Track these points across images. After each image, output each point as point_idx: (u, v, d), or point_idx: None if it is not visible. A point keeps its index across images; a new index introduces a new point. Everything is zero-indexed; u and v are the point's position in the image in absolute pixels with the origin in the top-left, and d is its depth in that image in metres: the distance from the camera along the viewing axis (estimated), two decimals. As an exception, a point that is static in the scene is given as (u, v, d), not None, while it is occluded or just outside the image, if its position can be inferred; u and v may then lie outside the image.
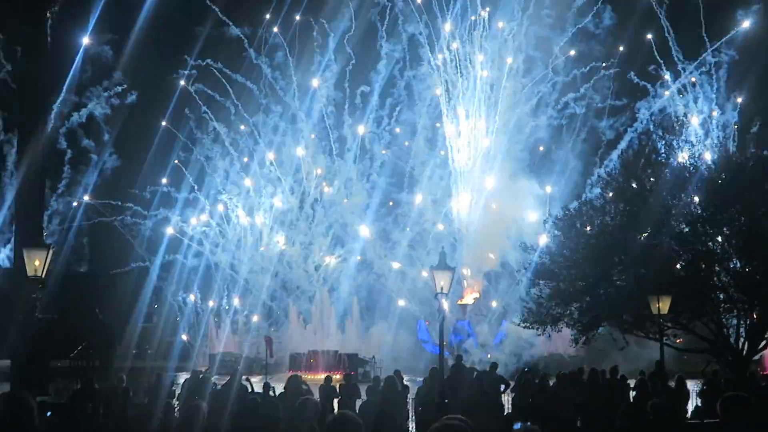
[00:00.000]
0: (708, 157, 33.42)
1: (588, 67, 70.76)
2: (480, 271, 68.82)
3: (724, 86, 70.29)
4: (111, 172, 71.19)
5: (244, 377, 28.67)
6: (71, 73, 65.22)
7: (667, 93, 70.62)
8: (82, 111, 69.68)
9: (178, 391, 28.92)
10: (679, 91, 70.89)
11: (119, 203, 71.94)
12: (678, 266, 30.96)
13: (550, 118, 72.15)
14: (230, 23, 71.03)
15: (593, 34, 71.04)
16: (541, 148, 72.61)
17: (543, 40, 71.34)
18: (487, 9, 71.33)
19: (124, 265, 71.63)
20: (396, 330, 65.93)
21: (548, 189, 68.72)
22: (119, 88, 69.45)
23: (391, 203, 73.87)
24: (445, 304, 27.01)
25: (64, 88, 65.28)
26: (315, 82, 73.30)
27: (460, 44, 71.93)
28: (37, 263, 25.33)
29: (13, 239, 50.62)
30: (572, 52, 71.49)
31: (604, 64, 70.80)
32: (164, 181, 72.94)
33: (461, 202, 71.10)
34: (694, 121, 61.32)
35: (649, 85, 71.28)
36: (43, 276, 25.51)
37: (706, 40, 69.79)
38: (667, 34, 70.43)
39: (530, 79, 71.79)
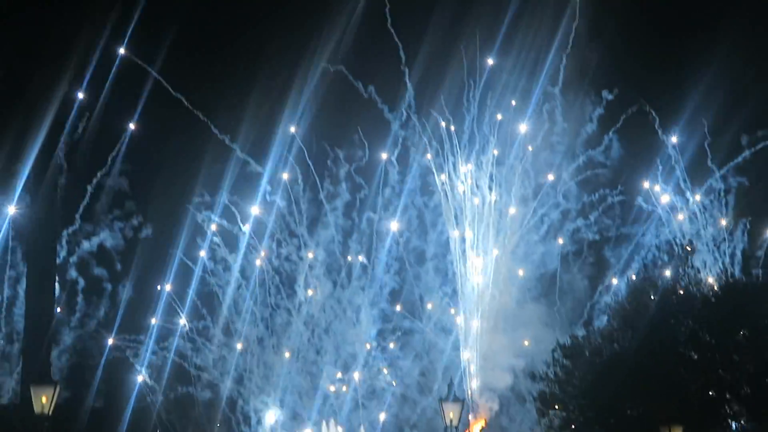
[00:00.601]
0: (714, 282, 33.37)
1: (597, 195, 71.32)
2: (488, 399, 68.08)
3: (732, 212, 70.67)
4: (126, 303, 70.98)
5: None
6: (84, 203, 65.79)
7: (681, 216, 71.09)
8: (93, 240, 69.80)
9: None
10: (690, 219, 71.41)
11: (136, 336, 71.57)
12: (689, 394, 30.64)
13: (560, 246, 72.43)
14: (251, 160, 71.48)
15: (602, 163, 71.85)
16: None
17: (552, 166, 72.09)
18: (495, 151, 72.35)
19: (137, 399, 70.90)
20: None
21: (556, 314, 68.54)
22: (136, 222, 69.70)
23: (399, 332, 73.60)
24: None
25: (76, 217, 65.71)
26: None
27: (470, 171, 72.57)
28: (44, 400, 25.19)
29: (21, 373, 50.34)
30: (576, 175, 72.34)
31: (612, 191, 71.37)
32: (182, 321, 72.71)
33: (470, 328, 70.79)
34: (701, 246, 61.58)
35: (658, 209, 71.74)
36: (50, 413, 25.30)
37: (714, 167, 70.55)
38: (674, 163, 71.19)
39: (539, 204, 72.27)
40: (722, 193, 71.37)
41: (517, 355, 63.02)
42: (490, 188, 72.63)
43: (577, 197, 72.52)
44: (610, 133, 71.17)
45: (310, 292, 73.00)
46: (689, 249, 33.75)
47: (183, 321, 69.50)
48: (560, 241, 72.31)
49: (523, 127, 70.89)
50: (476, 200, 72.00)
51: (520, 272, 71.15)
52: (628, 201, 72.05)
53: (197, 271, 72.17)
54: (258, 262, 73.44)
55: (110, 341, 69.70)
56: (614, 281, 67.43)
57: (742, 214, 70.32)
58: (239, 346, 73.11)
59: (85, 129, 62.93)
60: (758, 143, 70.12)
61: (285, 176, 72.48)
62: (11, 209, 60.87)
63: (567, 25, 68.33)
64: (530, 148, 71.32)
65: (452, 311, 70.91)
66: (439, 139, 72.24)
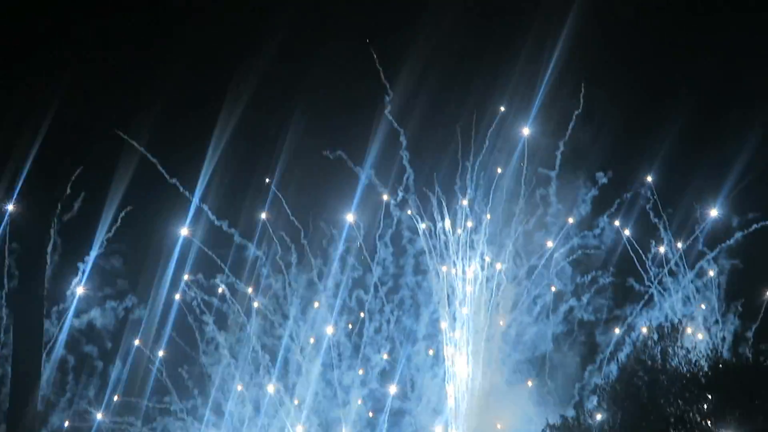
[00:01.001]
0: (704, 362, 33.24)
1: (589, 276, 71.48)
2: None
3: (724, 294, 70.95)
4: (120, 384, 70.49)
5: None
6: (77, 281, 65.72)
7: (691, 290, 71.21)
8: (82, 317, 69.49)
9: None
10: (683, 301, 71.58)
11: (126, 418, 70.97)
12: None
13: (552, 325, 72.37)
14: (249, 243, 71.56)
15: (595, 245, 72.12)
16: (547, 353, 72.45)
17: (543, 246, 72.36)
18: (488, 216, 72.45)
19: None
20: None
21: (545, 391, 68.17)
22: (129, 304, 69.52)
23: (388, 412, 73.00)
24: None
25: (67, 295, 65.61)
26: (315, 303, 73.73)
27: (461, 249, 72.68)
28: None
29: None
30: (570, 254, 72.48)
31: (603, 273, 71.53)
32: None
33: (459, 408, 70.36)
34: (691, 328, 61.72)
35: (651, 289, 71.92)
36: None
37: (705, 250, 70.95)
38: (667, 246, 71.51)
39: (532, 285, 72.35)
40: (715, 275, 72.05)
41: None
42: (482, 267, 72.94)
43: (570, 278, 72.84)
44: (605, 217, 72.15)
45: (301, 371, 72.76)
46: (678, 328, 33.65)
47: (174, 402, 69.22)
48: (552, 320, 72.69)
49: (517, 208, 71.65)
50: (468, 281, 72.30)
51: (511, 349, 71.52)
52: (620, 283, 72.46)
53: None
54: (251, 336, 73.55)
55: (99, 416, 69.24)
56: (605, 361, 67.89)
57: (733, 296, 70.69)
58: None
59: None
60: (750, 226, 70.94)
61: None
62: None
63: (566, 109, 69.35)
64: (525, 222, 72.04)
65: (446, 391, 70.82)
66: (431, 217, 72.93)
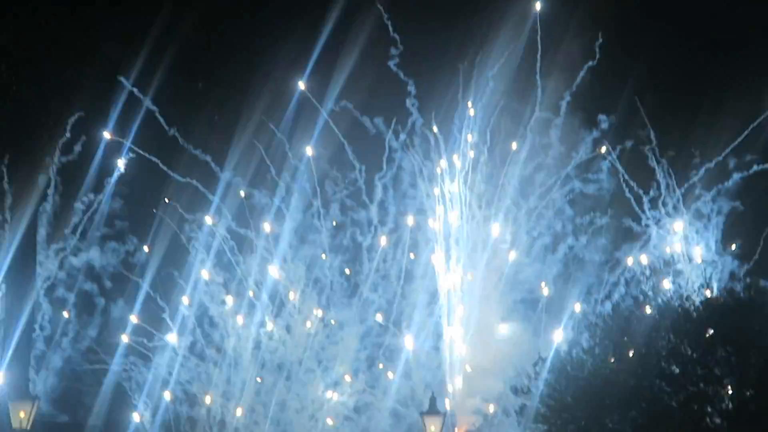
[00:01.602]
0: (697, 298, 33.39)
1: (587, 217, 71.97)
2: (471, 413, 68.03)
3: (722, 235, 71.48)
4: (116, 320, 70.89)
5: None
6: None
7: (678, 227, 71.65)
8: (81, 255, 69.75)
9: None
10: (680, 241, 72.12)
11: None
12: (671, 408, 30.67)
13: (547, 263, 72.84)
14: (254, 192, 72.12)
15: (595, 186, 72.55)
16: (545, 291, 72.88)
17: (542, 186, 72.71)
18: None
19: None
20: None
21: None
22: (132, 246, 69.78)
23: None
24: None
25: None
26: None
27: (458, 185, 72.90)
28: (22, 415, 25.16)
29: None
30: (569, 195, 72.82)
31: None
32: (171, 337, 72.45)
33: (452, 340, 70.88)
34: (688, 266, 62.17)
35: (650, 229, 72.45)
36: (28, 428, 25.30)
37: (704, 191, 71.38)
38: (665, 186, 71.91)
39: (530, 225, 72.71)
40: (712, 216, 72.51)
41: (501, 370, 63.18)
42: (480, 206, 73.22)
43: (570, 219, 73.30)
44: (606, 158, 72.38)
45: (296, 310, 73.13)
46: (671, 264, 33.82)
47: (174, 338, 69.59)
48: (550, 258, 73.13)
49: (514, 145, 71.75)
50: (461, 219, 72.48)
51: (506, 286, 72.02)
52: (618, 223, 72.93)
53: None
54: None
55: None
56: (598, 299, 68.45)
57: (731, 238, 71.17)
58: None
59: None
60: (749, 167, 71.22)
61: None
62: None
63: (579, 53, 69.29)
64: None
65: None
66: (428, 155, 73.10)
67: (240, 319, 73.43)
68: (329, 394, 73.38)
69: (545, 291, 72.89)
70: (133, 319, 71.96)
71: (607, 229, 73.29)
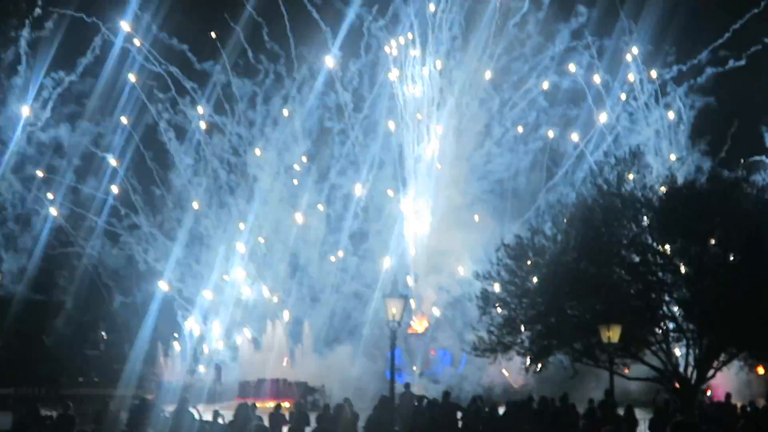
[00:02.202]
0: (661, 189, 33.56)
1: (561, 108, 72.42)
2: (433, 297, 68.85)
3: (692, 129, 72.19)
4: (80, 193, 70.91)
5: (191, 407, 28.36)
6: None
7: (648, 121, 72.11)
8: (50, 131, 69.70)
9: (124, 420, 28.57)
10: (652, 136, 72.61)
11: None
12: (629, 296, 31.10)
13: (513, 151, 73.19)
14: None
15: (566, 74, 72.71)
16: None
17: (515, 71, 72.76)
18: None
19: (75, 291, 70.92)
20: (352, 358, 65.55)
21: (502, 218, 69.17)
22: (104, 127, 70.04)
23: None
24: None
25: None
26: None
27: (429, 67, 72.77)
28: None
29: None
30: (545, 86, 72.85)
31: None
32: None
33: (416, 226, 71.34)
34: (653, 159, 62.63)
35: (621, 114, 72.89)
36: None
37: (674, 88, 71.90)
38: (638, 81, 72.26)
39: (503, 114, 72.90)
40: (684, 112, 72.96)
41: (464, 255, 63.82)
42: (453, 94, 73.06)
43: (543, 109, 73.54)
44: (581, 50, 72.31)
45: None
46: (634, 153, 33.78)
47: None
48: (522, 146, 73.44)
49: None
50: (435, 104, 72.34)
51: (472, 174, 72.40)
52: (587, 116, 73.25)
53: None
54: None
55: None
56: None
57: (702, 134, 71.73)
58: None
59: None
60: (724, 64, 71.44)
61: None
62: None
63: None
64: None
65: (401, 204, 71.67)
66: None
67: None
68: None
69: (513, 179, 73.57)
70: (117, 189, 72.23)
71: (578, 120, 73.79)
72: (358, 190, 72.31)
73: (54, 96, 68.26)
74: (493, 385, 60.11)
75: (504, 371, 56.38)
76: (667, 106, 73.42)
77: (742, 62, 70.57)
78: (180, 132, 72.60)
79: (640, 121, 73.63)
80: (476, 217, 69.26)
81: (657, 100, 73.59)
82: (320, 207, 73.03)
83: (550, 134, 73.52)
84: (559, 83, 73.21)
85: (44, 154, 70.01)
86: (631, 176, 33.27)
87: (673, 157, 70.15)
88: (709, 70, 71.51)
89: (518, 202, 71.80)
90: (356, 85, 72.80)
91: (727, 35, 70.05)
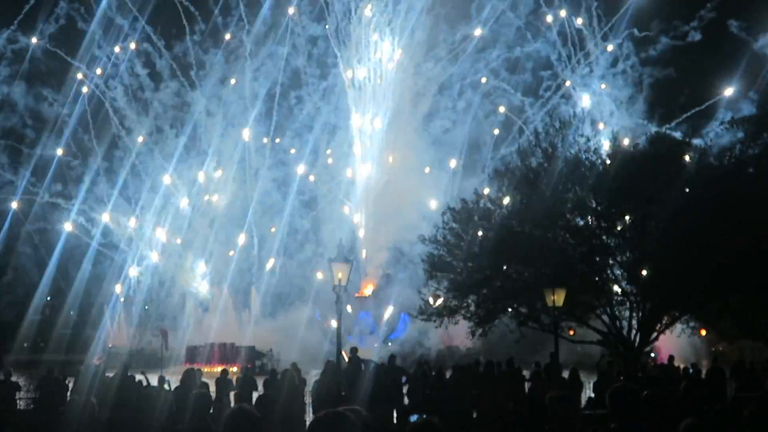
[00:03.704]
0: (603, 152, 33.69)
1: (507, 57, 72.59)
2: (379, 261, 68.97)
3: (632, 86, 72.59)
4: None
5: (139, 372, 28.17)
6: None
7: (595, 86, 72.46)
8: None
9: (71, 385, 28.34)
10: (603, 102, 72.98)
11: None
12: (573, 259, 31.27)
13: (467, 106, 73.36)
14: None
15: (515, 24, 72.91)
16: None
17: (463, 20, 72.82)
18: None
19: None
20: (298, 322, 65.58)
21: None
22: None
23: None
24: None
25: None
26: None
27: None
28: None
29: None
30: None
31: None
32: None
33: (362, 174, 71.39)
34: (602, 124, 63.05)
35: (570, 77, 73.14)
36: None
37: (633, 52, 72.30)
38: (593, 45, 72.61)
39: (457, 63, 72.88)
40: (641, 79, 73.40)
41: (410, 219, 63.97)
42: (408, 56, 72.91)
43: (502, 77, 73.74)
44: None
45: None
46: (581, 118, 33.90)
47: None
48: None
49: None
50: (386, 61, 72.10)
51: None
52: (537, 80, 73.55)
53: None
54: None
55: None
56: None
57: (656, 103, 72.20)
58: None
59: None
60: (684, 38, 71.96)
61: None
62: None
63: None
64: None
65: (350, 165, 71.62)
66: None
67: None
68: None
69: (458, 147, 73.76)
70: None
71: (532, 88, 74.10)
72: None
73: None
74: (439, 348, 60.52)
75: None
76: (623, 74, 73.95)
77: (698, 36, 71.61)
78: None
79: (594, 88, 74.07)
80: (427, 169, 69.50)
81: (605, 67, 74.10)
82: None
83: (502, 107, 73.85)
84: (522, 52, 73.53)
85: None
86: (577, 139, 33.41)
87: (621, 124, 70.77)
88: (663, 40, 72.33)
89: (467, 164, 72.10)
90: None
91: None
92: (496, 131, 74.00)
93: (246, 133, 72.86)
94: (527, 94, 73.74)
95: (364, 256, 68.16)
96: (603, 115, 70.81)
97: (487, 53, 73.56)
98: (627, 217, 31.88)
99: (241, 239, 72.30)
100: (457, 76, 73.52)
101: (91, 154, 72.47)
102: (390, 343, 61.52)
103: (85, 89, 72.70)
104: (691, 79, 69.31)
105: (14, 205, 70.97)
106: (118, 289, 72.67)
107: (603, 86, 73.35)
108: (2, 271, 66.72)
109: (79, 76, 72.45)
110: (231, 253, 72.85)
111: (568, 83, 73.40)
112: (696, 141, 34.28)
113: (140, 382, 26.50)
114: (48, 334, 70.41)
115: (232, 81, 73.45)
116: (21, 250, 71.12)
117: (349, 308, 59.78)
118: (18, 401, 28.08)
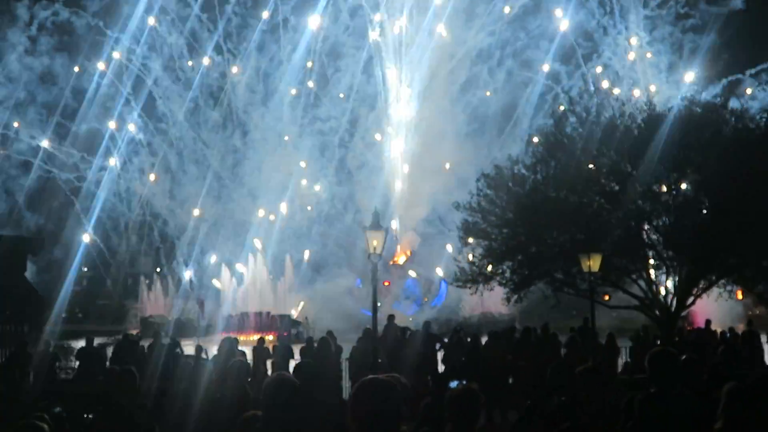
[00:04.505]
0: (639, 116, 33.36)
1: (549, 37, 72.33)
2: (414, 229, 69.08)
3: (671, 52, 72.15)
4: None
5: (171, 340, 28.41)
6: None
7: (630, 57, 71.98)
8: None
9: (109, 355, 28.66)
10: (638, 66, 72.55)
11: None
12: (609, 224, 31.10)
13: (505, 75, 73.18)
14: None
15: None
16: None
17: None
18: None
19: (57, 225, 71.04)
20: (333, 290, 65.77)
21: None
22: None
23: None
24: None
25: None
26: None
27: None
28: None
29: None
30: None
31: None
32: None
33: (397, 157, 71.42)
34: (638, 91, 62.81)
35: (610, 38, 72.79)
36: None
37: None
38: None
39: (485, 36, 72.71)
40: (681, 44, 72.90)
41: (445, 187, 63.93)
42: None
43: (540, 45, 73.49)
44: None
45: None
46: (610, 84, 33.65)
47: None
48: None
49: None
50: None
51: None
52: (569, 42, 73.05)
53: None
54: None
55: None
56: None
57: (697, 69, 71.65)
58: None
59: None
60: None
61: None
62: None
63: None
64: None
65: (378, 137, 71.56)
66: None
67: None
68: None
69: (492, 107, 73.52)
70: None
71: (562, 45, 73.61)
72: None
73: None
74: (475, 315, 60.61)
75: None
76: (663, 41, 73.47)
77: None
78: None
79: (633, 53, 73.63)
80: (459, 147, 69.39)
81: (644, 29, 73.54)
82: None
83: (545, 68, 73.44)
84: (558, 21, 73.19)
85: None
86: (612, 105, 33.18)
87: (659, 90, 70.27)
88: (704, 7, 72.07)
89: (501, 132, 71.95)
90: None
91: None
92: (533, 99, 73.71)
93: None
94: (567, 62, 73.41)
95: (398, 225, 68.31)
96: (641, 81, 70.35)
97: (528, 21, 73.27)
98: (661, 181, 31.61)
99: (283, 207, 72.66)
100: (495, 45, 73.25)
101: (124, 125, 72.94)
102: (427, 310, 61.66)
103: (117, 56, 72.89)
104: (734, 46, 68.82)
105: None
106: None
107: (646, 53, 72.88)
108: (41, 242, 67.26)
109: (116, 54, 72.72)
110: (272, 217, 73.12)
111: (608, 50, 72.94)
112: (733, 105, 33.85)
113: (179, 352, 26.77)
114: (86, 305, 71.15)
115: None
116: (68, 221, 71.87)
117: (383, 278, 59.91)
118: (58, 371, 28.42)
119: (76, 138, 72.01)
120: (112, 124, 72.66)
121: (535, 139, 34.11)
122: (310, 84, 74.39)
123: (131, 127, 72.74)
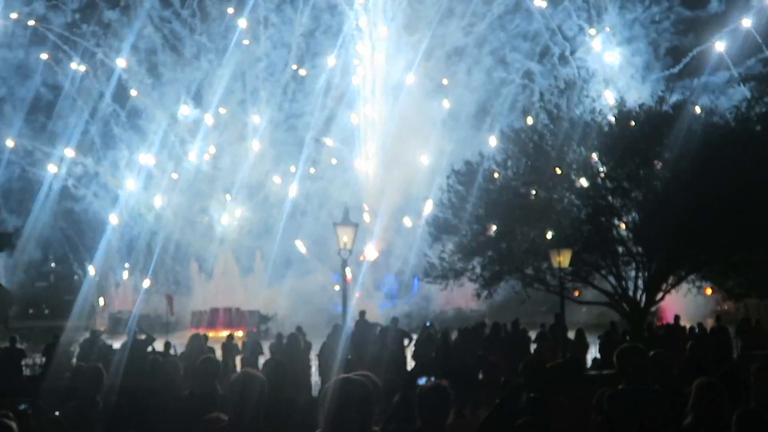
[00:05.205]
0: (609, 113, 33.42)
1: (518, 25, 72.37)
2: (384, 226, 68.96)
3: (646, 52, 72.38)
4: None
5: (142, 336, 28.18)
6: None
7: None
8: None
9: (76, 351, 28.40)
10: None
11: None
12: (579, 220, 31.17)
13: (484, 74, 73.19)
14: None
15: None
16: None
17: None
18: None
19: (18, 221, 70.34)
20: (302, 286, 65.60)
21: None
22: None
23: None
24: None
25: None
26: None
27: None
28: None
29: None
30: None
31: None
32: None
33: (366, 150, 71.28)
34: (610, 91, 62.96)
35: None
36: None
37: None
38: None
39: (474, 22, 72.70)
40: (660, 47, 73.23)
41: (419, 182, 63.94)
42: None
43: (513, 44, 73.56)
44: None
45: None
46: (587, 79, 33.63)
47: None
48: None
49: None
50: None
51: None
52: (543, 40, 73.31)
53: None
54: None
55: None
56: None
57: (664, 59, 72.00)
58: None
59: None
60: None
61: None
62: None
63: None
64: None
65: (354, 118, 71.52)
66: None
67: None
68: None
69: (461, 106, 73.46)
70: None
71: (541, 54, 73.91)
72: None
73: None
74: (445, 310, 60.60)
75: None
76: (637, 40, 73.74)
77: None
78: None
79: (607, 51, 73.82)
80: (431, 140, 69.38)
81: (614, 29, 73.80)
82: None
83: (519, 66, 73.59)
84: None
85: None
86: (583, 101, 33.20)
87: (631, 86, 70.49)
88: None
89: (474, 128, 71.95)
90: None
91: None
92: (506, 96, 73.80)
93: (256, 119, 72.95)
94: (541, 60, 73.60)
95: (368, 219, 68.18)
96: (613, 78, 70.56)
97: (506, 20, 73.37)
98: (632, 178, 31.68)
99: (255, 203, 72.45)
100: (473, 43, 73.27)
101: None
102: (397, 306, 61.60)
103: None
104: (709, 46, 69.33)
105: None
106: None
107: (616, 52, 73.13)
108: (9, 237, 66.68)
109: None
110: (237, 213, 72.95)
111: (582, 48, 73.12)
112: (703, 101, 33.99)
113: (148, 347, 26.54)
114: (53, 301, 70.63)
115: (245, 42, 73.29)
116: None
117: (351, 271, 59.81)
118: (24, 368, 28.15)
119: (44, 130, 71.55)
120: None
121: (507, 135, 34.04)
122: (286, 79, 74.16)
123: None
